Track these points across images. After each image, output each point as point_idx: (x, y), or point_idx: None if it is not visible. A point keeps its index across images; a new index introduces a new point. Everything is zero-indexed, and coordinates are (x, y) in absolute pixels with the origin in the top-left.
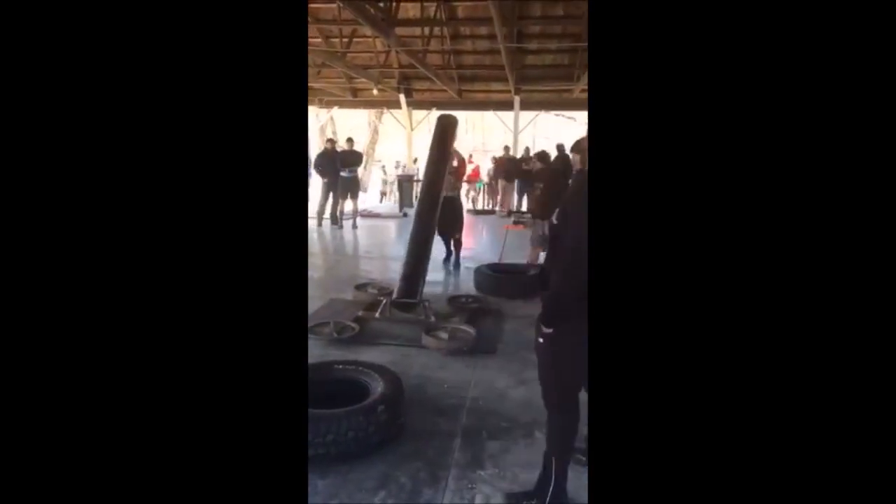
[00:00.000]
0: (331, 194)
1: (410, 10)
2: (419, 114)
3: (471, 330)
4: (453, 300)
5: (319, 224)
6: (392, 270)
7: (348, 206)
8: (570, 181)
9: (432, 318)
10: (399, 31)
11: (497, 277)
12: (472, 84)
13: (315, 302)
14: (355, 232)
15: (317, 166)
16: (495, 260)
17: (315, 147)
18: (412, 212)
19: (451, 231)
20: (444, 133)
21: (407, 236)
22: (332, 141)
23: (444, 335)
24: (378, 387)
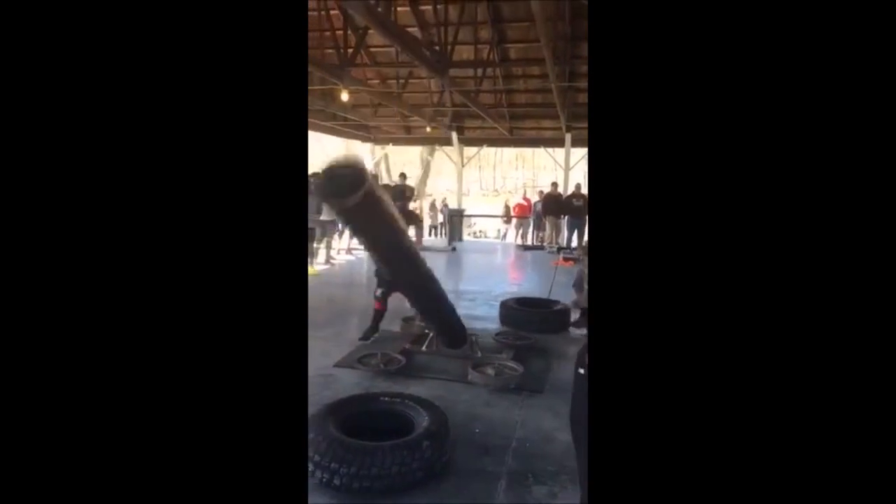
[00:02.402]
0: None
1: (464, 53)
2: (470, 150)
3: (518, 367)
4: (501, 336)
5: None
6: None
7: None
8: None
9: (479, 354)
10: (453, 72)
11: (521, 311)
12: (524, 121)
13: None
14: None
15: None
16: (544, 295)
17: None
18: (461, 246)
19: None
20: None
21: (456, 270)
22: (374, 177)
23: (491, 371)
24: (423, 421)
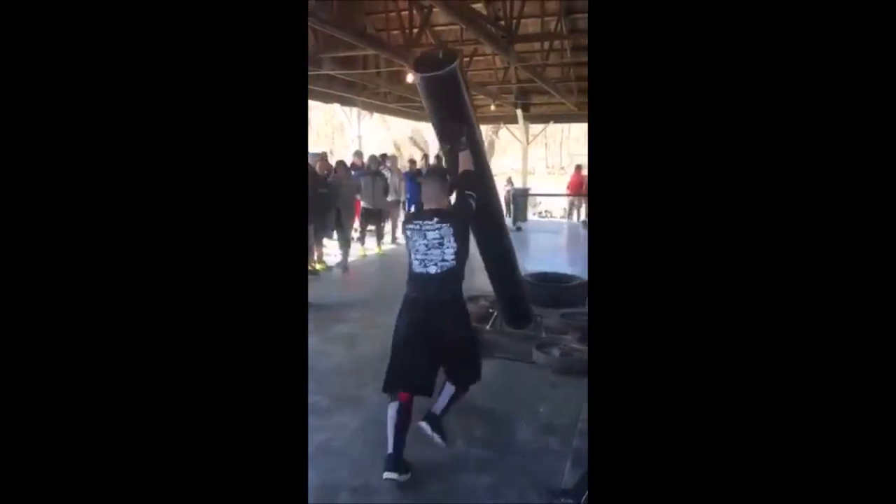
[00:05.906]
0: None
1: (530, 27)
2: (536, 127)
3: (584, 348)
4: (567, 316)
5: None
6: None
7: None
8: None
9: (544, 334)
10: (518, 47)
11: (538, 287)
12: None
13: None
14: None
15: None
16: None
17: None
18: (526, 226)
19: None
20: None
21: (520, 250)
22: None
23: (556, 352)
24: None
